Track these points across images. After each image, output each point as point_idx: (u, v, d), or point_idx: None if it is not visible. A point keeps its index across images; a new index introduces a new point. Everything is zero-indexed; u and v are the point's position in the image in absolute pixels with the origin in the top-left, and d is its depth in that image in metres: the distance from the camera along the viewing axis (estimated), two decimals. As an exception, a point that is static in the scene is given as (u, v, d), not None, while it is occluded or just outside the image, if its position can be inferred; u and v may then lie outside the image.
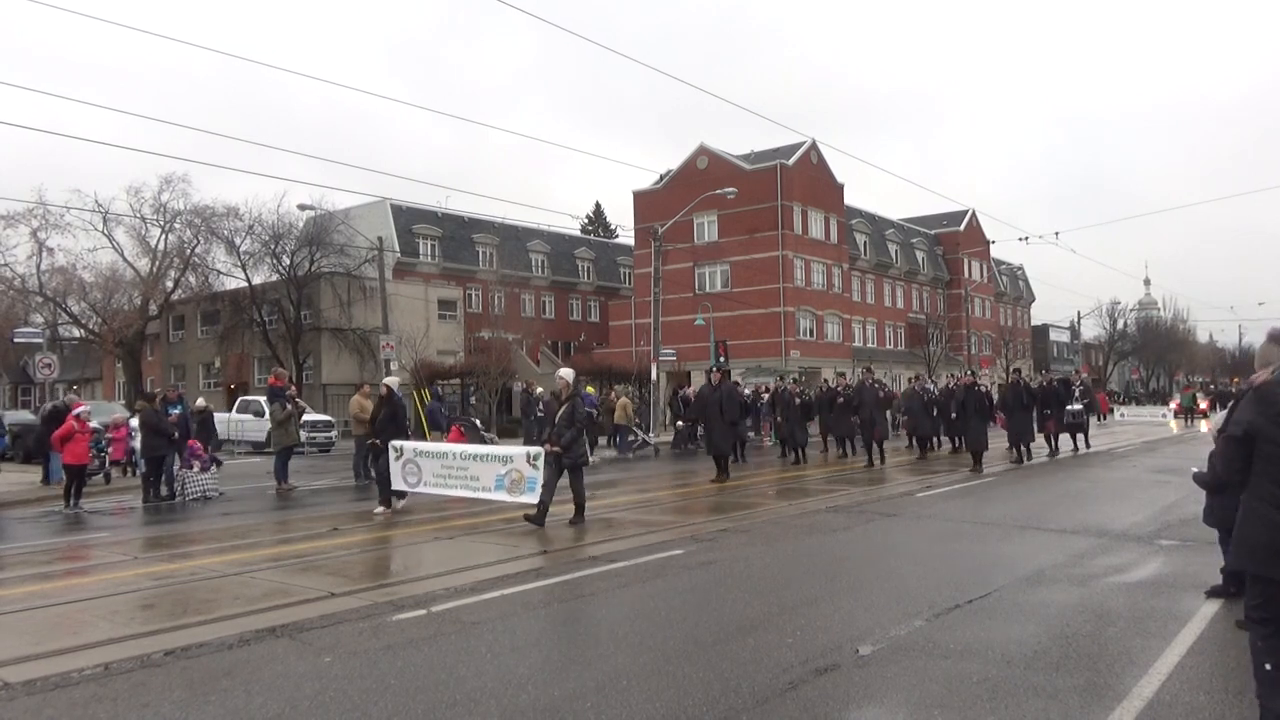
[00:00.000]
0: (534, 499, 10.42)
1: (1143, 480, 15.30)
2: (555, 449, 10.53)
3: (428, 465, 11.90)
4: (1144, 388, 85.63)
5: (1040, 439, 20.31)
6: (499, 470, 10.97)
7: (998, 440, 20.21)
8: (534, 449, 10.90)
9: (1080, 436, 21.40)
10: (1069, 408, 20.98)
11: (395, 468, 12.09)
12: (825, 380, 22.39)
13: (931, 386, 23.16)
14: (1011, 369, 24.27)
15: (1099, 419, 41.39)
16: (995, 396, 21.49)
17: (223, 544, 10.06)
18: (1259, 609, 3.95)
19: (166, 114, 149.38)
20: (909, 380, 25.60)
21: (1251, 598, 4.03)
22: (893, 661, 5.10)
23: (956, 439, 21.45)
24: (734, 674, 4.90)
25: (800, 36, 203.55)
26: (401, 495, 12.32)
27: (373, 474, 13.58)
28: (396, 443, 12.26)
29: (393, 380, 13.65)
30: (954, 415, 19.46)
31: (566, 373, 11.12)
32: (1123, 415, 44.56)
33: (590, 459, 22.09)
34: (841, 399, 19.95)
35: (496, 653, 5.42)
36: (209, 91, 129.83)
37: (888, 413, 22.73)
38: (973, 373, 18.66)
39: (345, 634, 5.92)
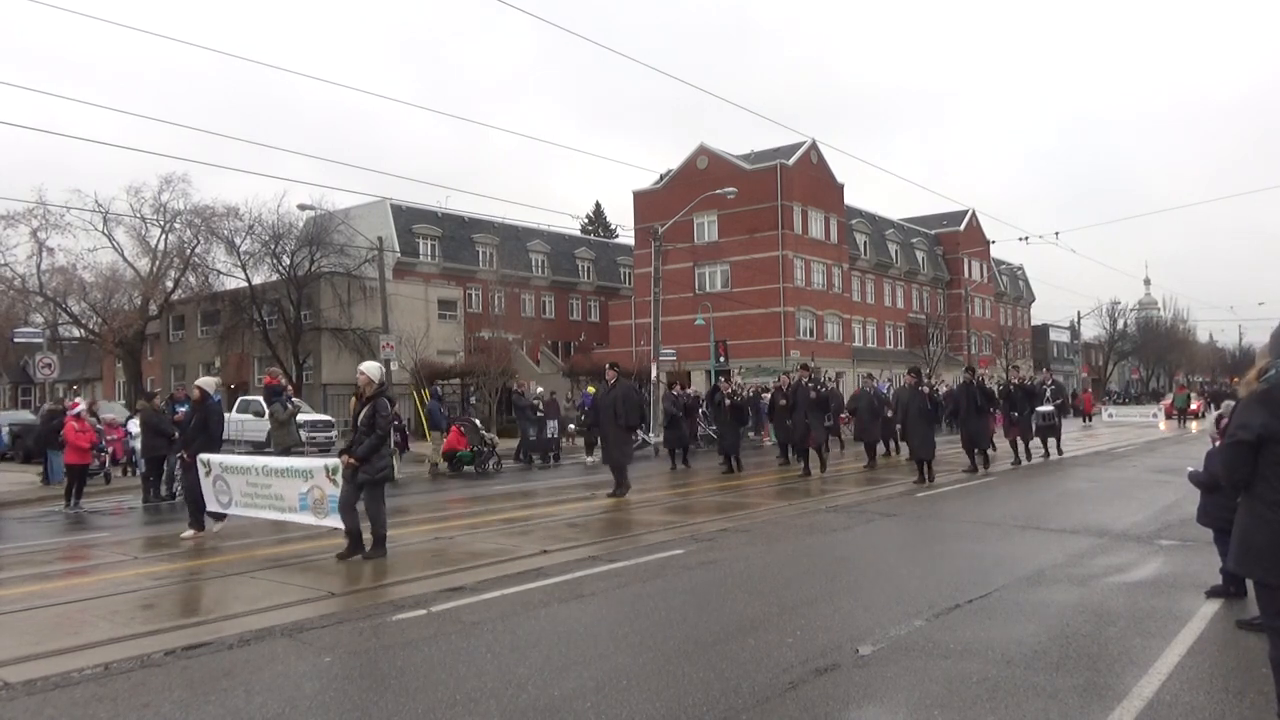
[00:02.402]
0: (340, 522, 8.90)
1: (1143, 480, 15.28)
2: (352, 461, 8.66)
3: (235, 483, 10.30)
4: (1144, 387, 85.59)
5: (1008, 445, 19.02)
6: (301, 488, 9.41)
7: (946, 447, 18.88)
8: (333, 462, 9.14)
9: (1052, 441, 19.86)
10: (1039, 409, 19.55)
11: (206, 485, 10.57)
12: (785, 381, 21.11)
13: (885, 387, 21.53)
14: (965, 369, 22.79)
15: (1084, 421, 40.90)
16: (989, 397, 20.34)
17: (223, 544, 10.06)
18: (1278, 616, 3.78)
19: (166, 114, 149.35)
20: (862, 379, 24.42)
21: (1267, 608, 3.87)
22: (893, 661, 5.10)
23: (888, 444, 20.37)
24: (734, 674, 4.90)
25: (801, 36, 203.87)
26: (221, 518, 10.80)
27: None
28: (204, 456, 10.67)
29: (208, 382, 11.51)
30: (895, 416, 17.97)
31: (369, 367, 9.22)
32: (1111, 415, 43.44)
33: (589, 459, 22.46)
34: (784, 401, 18.05)
35: (496, 653, 5.42)
36: (209, 91, 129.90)
37: (840, 416, 21.51)
38: (916, 371, 17.48)
39: (345, 634, 5.92)
